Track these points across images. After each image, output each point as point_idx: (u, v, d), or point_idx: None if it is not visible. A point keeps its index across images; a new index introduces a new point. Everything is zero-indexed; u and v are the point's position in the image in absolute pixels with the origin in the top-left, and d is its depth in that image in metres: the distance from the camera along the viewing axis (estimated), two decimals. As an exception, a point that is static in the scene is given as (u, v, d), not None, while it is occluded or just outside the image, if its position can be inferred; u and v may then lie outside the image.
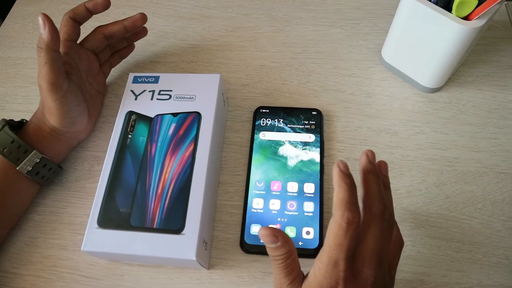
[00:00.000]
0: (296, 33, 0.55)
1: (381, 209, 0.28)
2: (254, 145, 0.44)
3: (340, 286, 0.26)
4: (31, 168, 0.39)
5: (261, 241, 0.28)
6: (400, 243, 0.33)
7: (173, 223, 0.35)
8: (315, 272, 0.28)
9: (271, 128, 0.45)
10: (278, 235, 0.28)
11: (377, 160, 0.31)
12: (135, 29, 0.47)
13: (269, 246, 0.28)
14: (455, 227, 0.40)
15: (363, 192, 0.29)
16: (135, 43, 0.51)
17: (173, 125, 0.40)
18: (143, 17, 0.46)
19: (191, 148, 0.38)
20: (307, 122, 0.45)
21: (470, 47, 0.43)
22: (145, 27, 0.49)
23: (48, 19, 0.37)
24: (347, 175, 0.27)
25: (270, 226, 0.28)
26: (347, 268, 0.26)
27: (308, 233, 0.39)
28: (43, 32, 0.37)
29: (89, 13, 0.43)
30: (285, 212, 0.40)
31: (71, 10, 0.42)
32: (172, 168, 0.37)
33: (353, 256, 0.27)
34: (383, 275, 0.28)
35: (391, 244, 0.30)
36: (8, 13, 0.60)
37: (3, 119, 0.39)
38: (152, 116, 0.41)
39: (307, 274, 0.29)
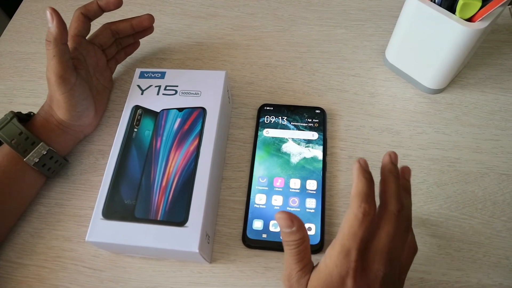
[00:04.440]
0: (301, 33, 0.55)
1: (398, 208, 0.28)
2: (257, 142, 0.44)
3: (350, 276, 0.27)
4: (38, 159, 0.40)
5: (277, 223, 0.29)
6: (414, 249, 0.32)
7: (177, 215, 0.35)
8: (326, 260, 0.28)
9: (275, 126, 0.45)
10: (294, 220, 0.28)
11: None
12: (142, 28, 0.48)
13: (284, 231, 0.28)
14: (456, 226, 0.40)
15: (381, 189, 0.29)
16: (141, 40, 0.52)
17: (178, 120, 0.40)
18: (151, 18, 0.47)
19: (196, 143, 0.39)
20: (310, 120, 0.46)
21: (473, 49, 0.43)
22: (151, 25, 0.50)
23: (56, 13, 0.37)
24: (366, 171, 0.28)
25: (287, 210, 0.29)
26: (358, 259, 0.27)
27: (309, 229, 0.39)
28: (51, 25, 0.37)
29: (101, 10, 0.43)
30: (288, 208, 0.40)
31: (83, 6, 0.43)
32: (176, 162, 0.38)
33: (366, 249, 0.27)
34: (393, 275, 0.28)
35: (405, 248, 0.30)
36: (18, 9, 0.60)
37: (12, 112, 0.40)
38: (158, 111, 0.41)
39: (316, 265, 0.30)
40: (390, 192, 0.29)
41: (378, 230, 0.28)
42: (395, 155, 0.30)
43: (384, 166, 0.30)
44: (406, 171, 0.33)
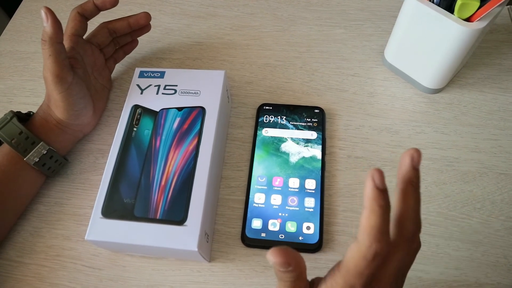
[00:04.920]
0: (301, 33, 0.55)
1: (413, 232, 0.25)
2: (256, 141, 0.45)
3: None
4: (38, 159, 0.40)
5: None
6: (417, 247, 0.29)
7: (176, 214, 0.35)
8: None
9: (274, 125, 0.46)
10: (291, 259, 0.24)
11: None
12: (139, 26, 0.48)
13: (279, 269, 0.25)
14: (454, 225, 0.40)
15: (399, 209, 0.25)
16: (140, 39, 0.52)
17: (177, 119, 0.40)
18: (147, 16, 0.48)
19: (195, 142, 0.39)
20: (309, 119, 0.46)
21: (471, 49, 0.43)
22: (148, 23, 0.50)
23: (50, 12, 0.37)
24: (382, 194, 0.23)
25: (281, 247, 0.24)
26: None
27: (308, 228, 0.39)
28: (46, 25, 0.37)
29: (97, 9, 0.43)
30: (286, 207, 0.40)
31: (79, 5, 0.43)
32: (176, 161, 0.38)
33: (372, 280, 0.25)
34: (396, 287, 0.27)
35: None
36: (17, 8, 0.61)
37: (11, 111, 0.40)
38: (157, 110, 0.41)
39: (312, 282, 0.28)
40: (409, 213, 0.25)
41: (388, 258, 0.25)
42: (419, 156, 0.24)
43: (404, 174, 0.25)
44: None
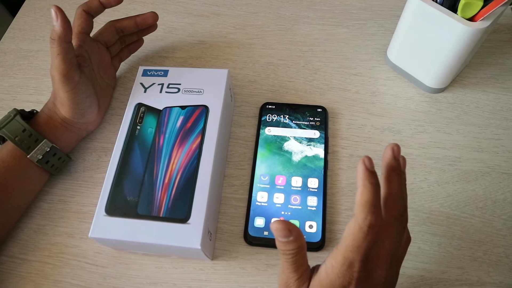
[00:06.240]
0: (303, 32, 0.55)
1: (401, 212, 0.28)
2: (259, 140, 0.45)
3: (352, 286, 0.26)
4: (41, 156, 0.40)
5: (273, 234, 0.27)
6: (408, 240, 0.32)
7: (179, 212, 0.35)
8: (327, 270, 0.27)
9: (277, 124, 0.46)
10: (292, 229, 0.27)
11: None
12: (146, 26, 0.48)
13: (281, 240, 0.27)
14: (456, 225, 0.41)
15: (385, 191, 0.28)
16: (144, 38, 0.52)
17: (181, 118, 0.41)
18: (154, 16, 0.48)
19: (198, 140, 0.39)
20: (312, 118, 0.46)
21: (474, 49, 0.43)
22: (155, 23, 0.50)
23: (60, 11, 0.37)
24: (372, 174, 0.26)
25: (282, 219, 0.27)
26: (361, 269, 0.26)
27: (311, 227, 0.39)
28: (56, 24, 0.37)
29: (102, 6, 0.44)
30: (289, 206, 0.41)
31: (84, 3, 0.43)
32: (179, 159, 0.38)
33: (368, 257, 0.27)
34: (392, 273, 0.28)
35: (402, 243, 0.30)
36: (21, 7, 0.61)
37: (15, 109, 0.40)
38: (161, 109, 0.41)
39: (313, 268, 0.29)
40: (394, 194, 0.28)
41: (381, 236, 0.27)
42: (398, 148, 0.28)
43: (388, 163, 0.28)
44: (402, 162, 0.31)
